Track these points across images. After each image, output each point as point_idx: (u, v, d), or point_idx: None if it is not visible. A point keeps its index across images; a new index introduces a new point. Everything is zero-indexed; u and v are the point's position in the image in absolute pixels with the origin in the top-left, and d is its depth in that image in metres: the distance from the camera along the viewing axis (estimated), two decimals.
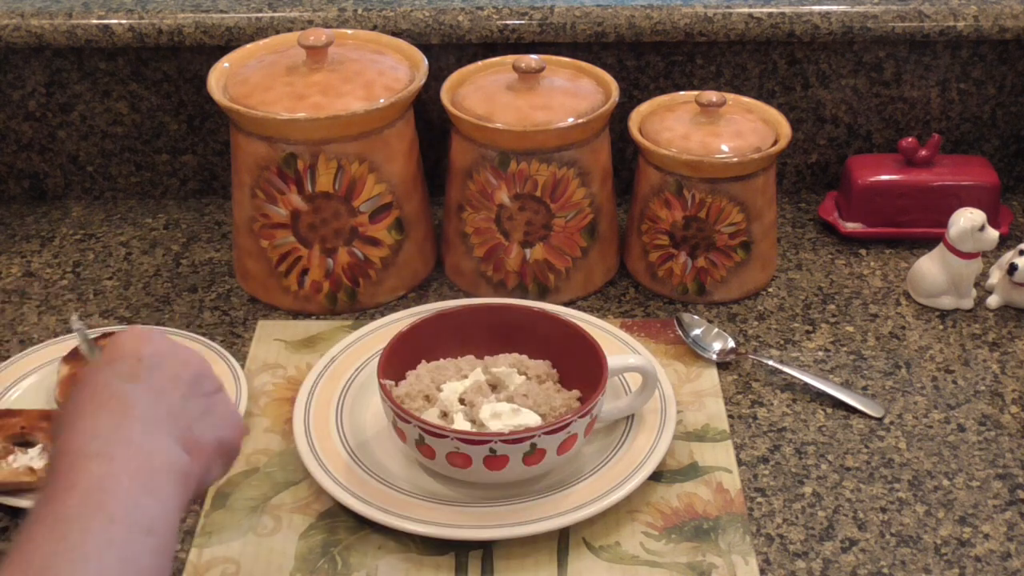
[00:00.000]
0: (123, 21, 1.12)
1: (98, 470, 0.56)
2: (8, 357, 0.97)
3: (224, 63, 1.03)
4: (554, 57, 1.07)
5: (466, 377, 0.87)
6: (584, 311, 1.02)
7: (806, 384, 0.94)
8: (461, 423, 0.83)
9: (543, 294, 1.04)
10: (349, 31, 1.09)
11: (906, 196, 1.12)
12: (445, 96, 1.03)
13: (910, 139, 1.12)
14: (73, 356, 0.92)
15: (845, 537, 0.81)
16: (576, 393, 0.87)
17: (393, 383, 0.86)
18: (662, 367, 0.94)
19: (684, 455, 0.88)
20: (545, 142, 0.98)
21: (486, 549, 0.80)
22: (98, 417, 0.59)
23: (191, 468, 0.61)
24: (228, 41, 1.12)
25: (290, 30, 1.11)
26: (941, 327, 1.02)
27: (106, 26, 1.12)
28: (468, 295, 1.06)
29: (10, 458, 0.82)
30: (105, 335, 0.94)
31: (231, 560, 0.79)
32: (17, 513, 0.82)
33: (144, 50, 1.15)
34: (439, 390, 0.86)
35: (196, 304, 1.05)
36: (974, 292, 1.04)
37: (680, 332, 0.99)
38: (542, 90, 1.01)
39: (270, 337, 1.00)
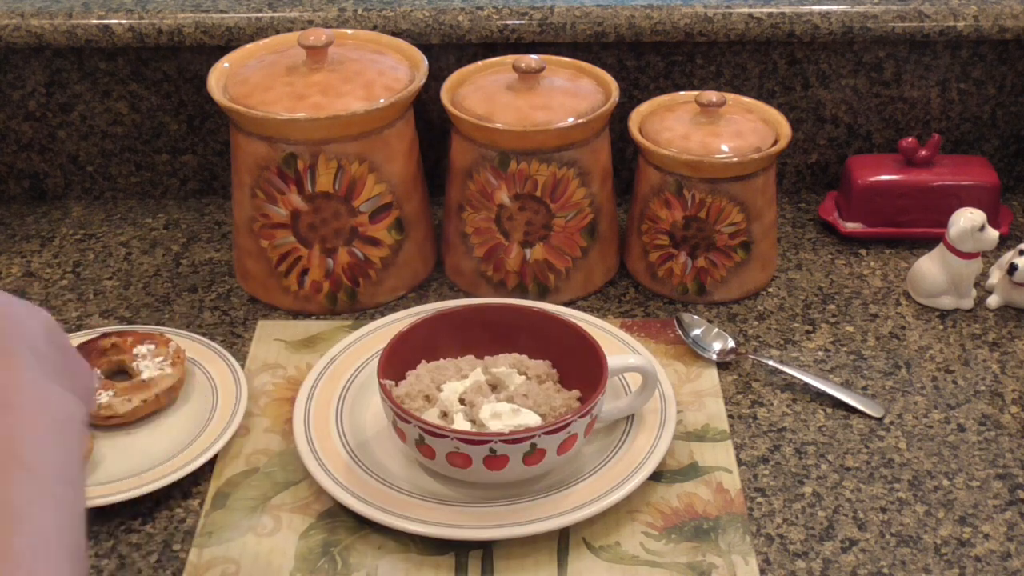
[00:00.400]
0: (123, 21, 1.12)
1: (4, 421, 0.53)
2: None
3: (224, 63, 1.03)
4: (554, 57, 1.07)
5: (466, 377, 0.87)
6: (584, 311, 1.02)
7: (806, 384, 0.94)
8: (461, 423, 0.83)
9: (543, 294, 1.04)
10: (349, 31, 1.09)
11: (906, 196, 1.12)
12: (445, 96, 1.03)
13: (910, 139, 1.12)
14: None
15: (845, 537, 0.81)
16: (576, 393, 0.87)
17: (393, 383, 0.86)
18: (662, 367, 0.94)
19: (684, 455, 0.88)
20: (545, 142, 0.98)
21: (486, 549, 0.80)
22: None
23: (82, 413, 0.58)
24: (228, 41, 1.12)
25: (290, 30, 1.11)
26: (941, 327, 1.02)
27: (106, 26, 1.12)
28: (468, 295, 1.06)
29: None
30: (104, 335, 0.94)
31: (231, 560, 0.79)
32: None
33: (144, 50, 1.15)
34: (439, 390, 0.86)
35: (196, 304, 1.05)
36: (974, 292, 1.04)
37: (680, 332, 0.99)
38: (542, 90, 1.01)
39: (270, 337, 1.00)
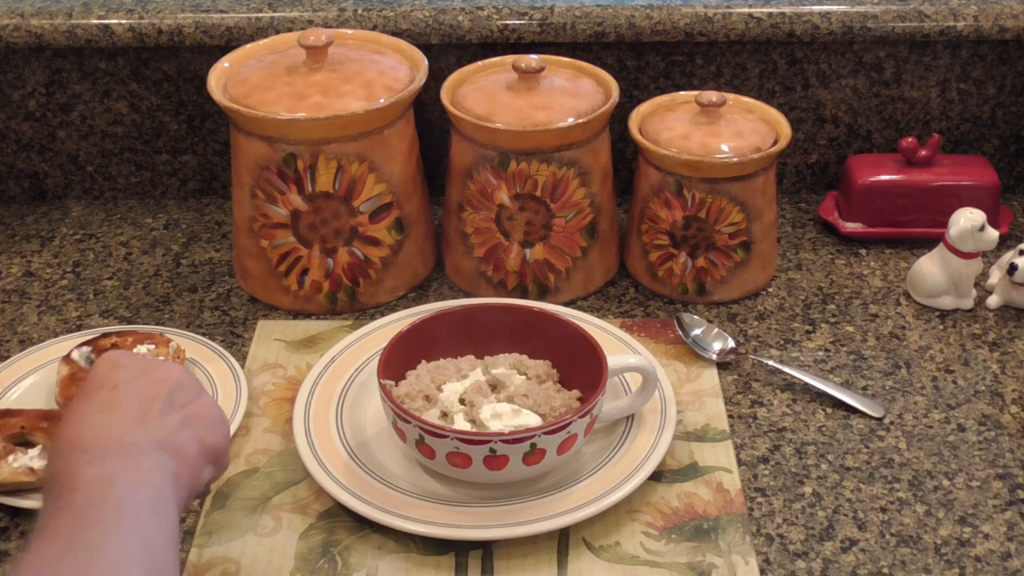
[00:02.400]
0: (123, 21, 1.12)
1: (94, 472, 0.61)
2: (8, 357, 0.97)
3: (224, 63, 1.03)
4: (554, 57, 1.07)
5: (466, 377, 0.87)
6: (584, 311, 1.02)
7: (806, 384, 0.94)
8: (461, 423, 0.83)
9: (543, 294, 1.04)
10: (349, 31, 1.09)
11: (906, 196, 1.12)
12: (445, 96, 1.03)
13: (910, 139, 1.12)
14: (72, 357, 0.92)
15: (845, 537, 0.81)
16: (576, 393, 0.87)
17: (393, 383, 0.86)
18: (662, 367, 0.94)
19: (684, 455, 0.88)
20: (545, 142, 0.98)
21: (486, 549, 0.80)
22: (84, 448, 0.63)
23: (179, 469, 0.65)
24: (228, 41, 1.12)
25: (290, 30, 1.11)
26: (941, 327, 1.02)
27: (106, 26, 1.12)
28: (468, 295, 1.06)
29: (10, 458, 0.82)
30: (104, 335, 0.94)
31: (231, 560, 0.79)
32: (17, 513, 0.82)
33: (144, 50, 1.15)
34: (439, 390, 0.86)
35: (196, 304, 1.05)
36: (974, 292, 1.04)
37: (680, 332, 0.99)
38: (542, 90, 1.01)
39: (270, 337, 1.00)
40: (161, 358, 0.92)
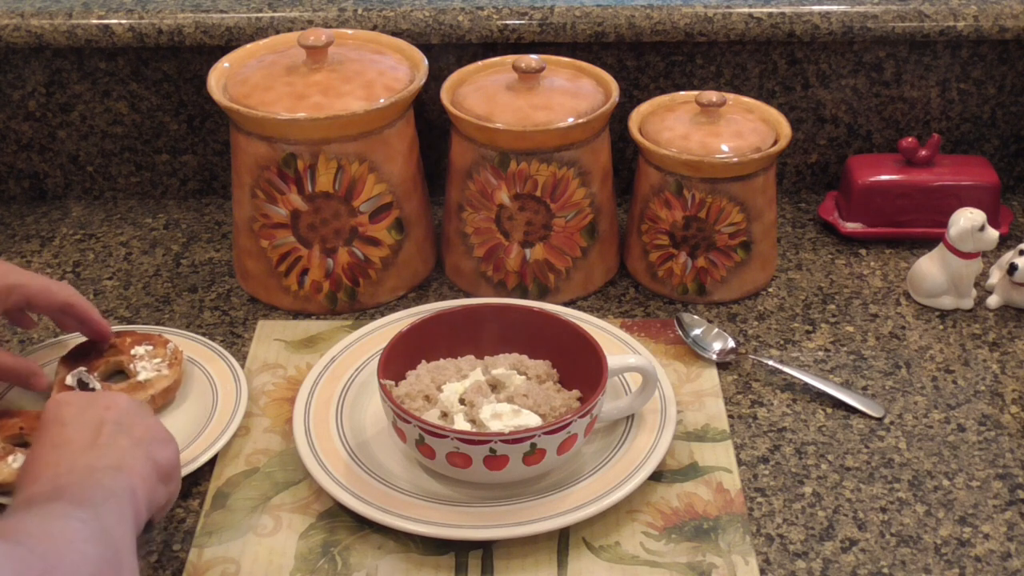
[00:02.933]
0: (123, 21, 1.12)
1: (50, 495, 0.65)
2: None
3: (224, 63, 1.03)
4: (554, 57, 1.07)
5: (466, 377, 0.87)
6: (584, 311, 1.02)
7: (806, 384, 0.94)
8: (461, 423, 0.83)
9: (543, 294, 1.04)
10: (349, 31, 1.09)
11: (906, 196, 1.12)
12: (445, 96, 1.03)
13: (910, 139, 1.12)
14: (71, 358, 0.92)
15: (845, 537, 0.81)
16: (576, 393, 0.87)
17: (393, 383, 0.86)
18: (662, 367, 0.94)
19: (684, 455, 0.88)
20: (545, 142, 0.98)
21: (486, 549, 0.80)
22: (41, 481, 0.67)
23: (134, 484, 0.69)
24: (228, 41, 1.12)
25: (290, 30, 1.11)
26: (941, 327, 1.02)
27: (106, 26, 1.12)
28: (468, 295, 1.06)
29: (9, 459, 0.82)
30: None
31: (231, 560, 0.79)
32: None
33: (144, 50, 1.15)
34: (439, 390, 0.86)
35: (196, 304, 1.05)
36: (974, 292, 1.04)
37: (680, 332, 0.99)
38: (542, 90, 1.01)
39: (270, 337, 1.00)
40: (157, 360, 0.92)
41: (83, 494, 0.65)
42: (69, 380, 0.89)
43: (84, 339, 0.94)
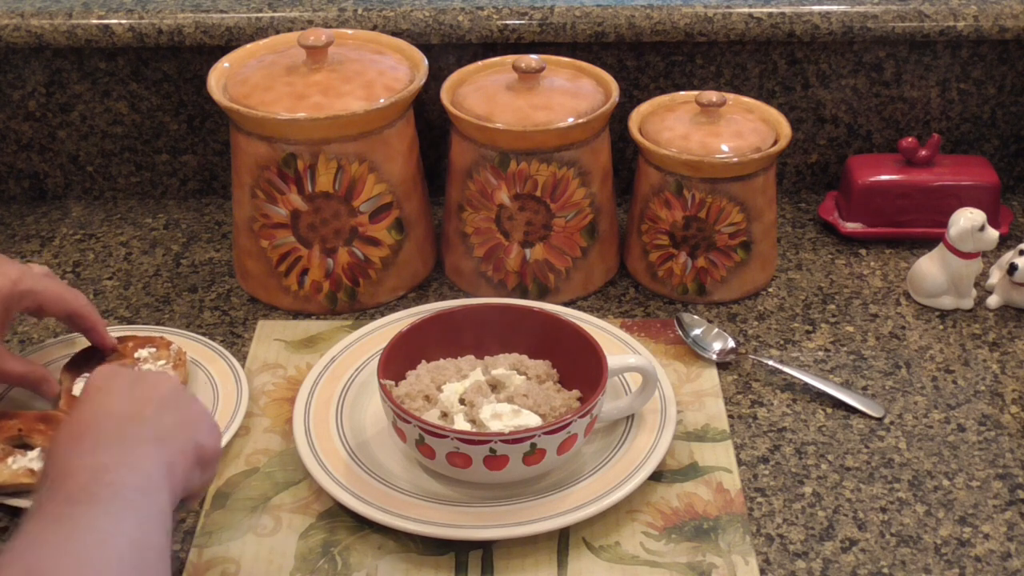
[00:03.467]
0: (123, 21, 1.12)
1: (87, 461, 0.62)
2: None
3: (224, 63, 1.03)
4: (554, 57, 1.07)
5: (466, 377, 0.87)
6: (584, 311, 1.02)
7: (806, 384, 0.94)
8: (461, 423, 0.83)
9: (543, 294, 1.04)
10: (349, 31, 1.09)
11: (906, 196, 1.12)
12: (445, 96, 1.03)
13: (910, 139, 1.12)
14: (74, 365, 0.91)
15: (845, 537, 0.81)
16: (576, 393, 0.87)
17: (393, 383, 0.86)
18: (662, 367, 0.94)
19: (684, 455, 0.88)
20: (545, 142, 0.98)
21: (486, 549, 0.80)
22: (79, 440, 0.64)
23: (172, 459, 0.66)
24: (228, 41, 1.12)
25: (290, 30, 1.11)
26: (941, 327, 1.02)
27: (106, 26, 1.12)
28: (468, 295, 1.06)
29: (10, 460, 0.82)
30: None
31: (231, 560, 0.79)
32: (17, 514, 0.82)
33: (144, 50, 1.15)
34: (439, 390, 0.86)
35: (196, 304, 1.05)
36: (974, 292, 1.04)
37: (680, 332, 0.99)
38: (542, 90, 1.01)
39: (270, 337, 1.00)
40: (161, 362, 0.91)
41: (112, 466, 0.63)
42: (76, 390, 0.88)
43: (85, 342, 0.93)
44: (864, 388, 0.95)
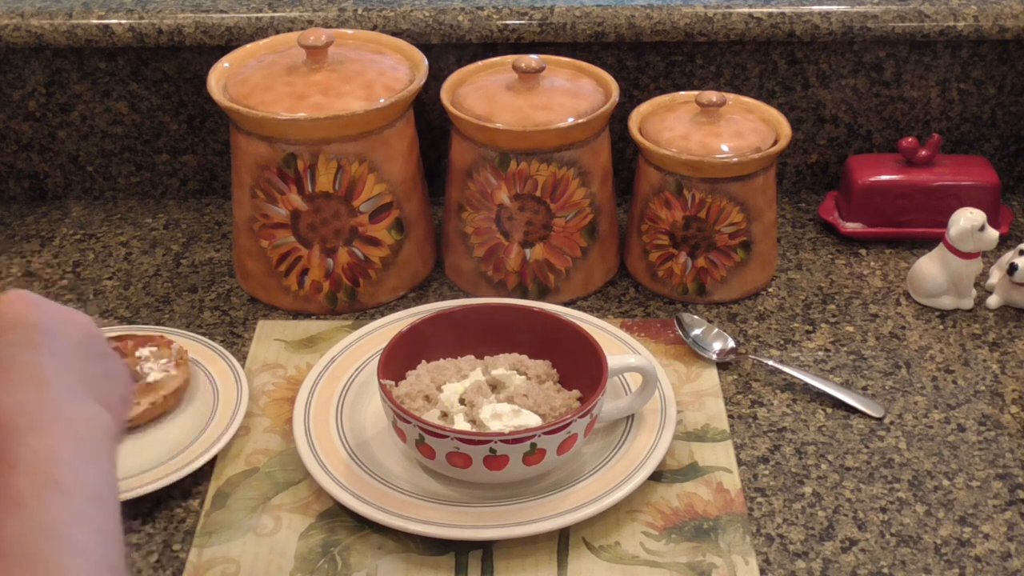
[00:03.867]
0: (123, 21, 1.12)
1: (35, 444, 0.54)
2: None
3: (224, 63, 1.03)
4: (554, 57, 1.07)
5: (466, 377, 0.87)
6: (584, 311, 1.02)
7: (806, 384, 0.94)
8: (461, 423, 0.83)
9: (543, 294, 1.04)
10: (349, 31, 1.09)
11: (906, 196, 1.12)
12: (445, 96, 1.03)
13: (910, 139, 1.12)
14: None
15: (845, 537, 0.81)
16: (576, 393, 0.87)
17: (393, 383, 0.86)
18: (662, 367, 0.94)
19: (684, 455, 0.88)
20: (545, 142, 0.98)
21: (486, 549, 0.80)
22: (15, 390, 0.56)
23: (113, 427, 0.60)
24: (228, 41, 1.12)
25: (290, 30, 1.11)
26: (941, 327, 1.02)
27: (106, 26, 1.12)
28: (468, 295, 1.06)
29: None
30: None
31: (231, 560, 0.79)
32: None
33: (144, 50, 1.15)
34: (439, 390, 0.86)
35: (196, 304, 1.05)
36: (974, 292, 1.04)
37: (680, 332, 0.99)
38: (542, 90, 1.01)
39: (270, 337, 1.00)
40: (162, 361, 0.91)
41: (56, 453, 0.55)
42: None
43: None
44: (864, 388, 0.95)
